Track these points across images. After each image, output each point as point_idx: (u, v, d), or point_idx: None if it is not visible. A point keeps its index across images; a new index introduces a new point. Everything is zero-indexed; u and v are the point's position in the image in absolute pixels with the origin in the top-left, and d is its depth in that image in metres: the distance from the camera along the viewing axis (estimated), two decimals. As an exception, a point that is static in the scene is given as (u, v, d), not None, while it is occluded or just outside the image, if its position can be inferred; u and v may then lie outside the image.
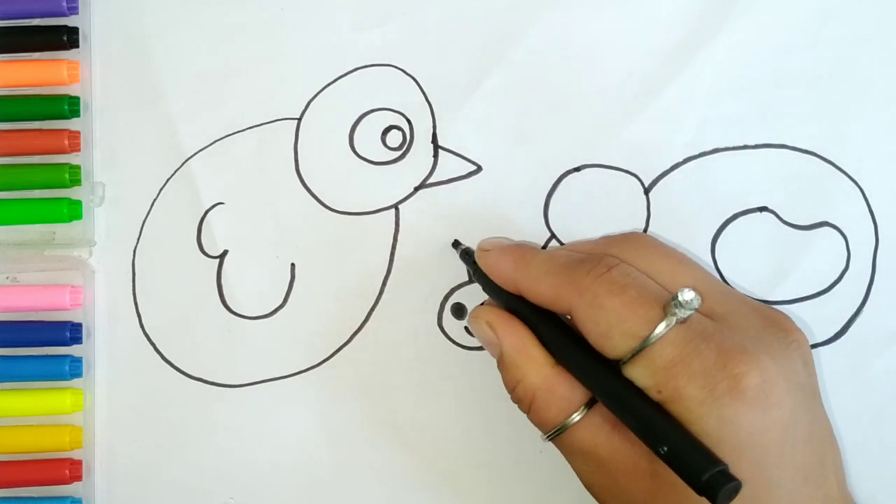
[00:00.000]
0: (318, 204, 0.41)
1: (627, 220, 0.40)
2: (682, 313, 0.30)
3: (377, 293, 0.40)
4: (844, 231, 0.39)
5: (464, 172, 0.40)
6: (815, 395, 0.33)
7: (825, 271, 0.39)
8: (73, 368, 0.40)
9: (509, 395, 0.35)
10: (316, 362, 0.40)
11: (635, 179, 0.40)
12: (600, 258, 0.33)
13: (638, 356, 0.31)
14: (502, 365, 0.35)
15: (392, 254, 0.40)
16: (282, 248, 0.41)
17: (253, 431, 0.40)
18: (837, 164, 0.40)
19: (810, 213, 0.39)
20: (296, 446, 0.40)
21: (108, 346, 0.41)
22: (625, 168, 0.40)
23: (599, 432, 0.33)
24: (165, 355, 0.41)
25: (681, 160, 0.40)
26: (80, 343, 0.40)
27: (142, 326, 0.41)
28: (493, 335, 0.35)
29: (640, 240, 0.36)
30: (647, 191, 0.40)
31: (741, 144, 0.40)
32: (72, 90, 0.41)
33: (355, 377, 0.40)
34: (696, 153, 0.40)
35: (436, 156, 0.41)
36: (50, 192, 0.41)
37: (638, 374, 0.31)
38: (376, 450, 0.40)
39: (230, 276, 0.41)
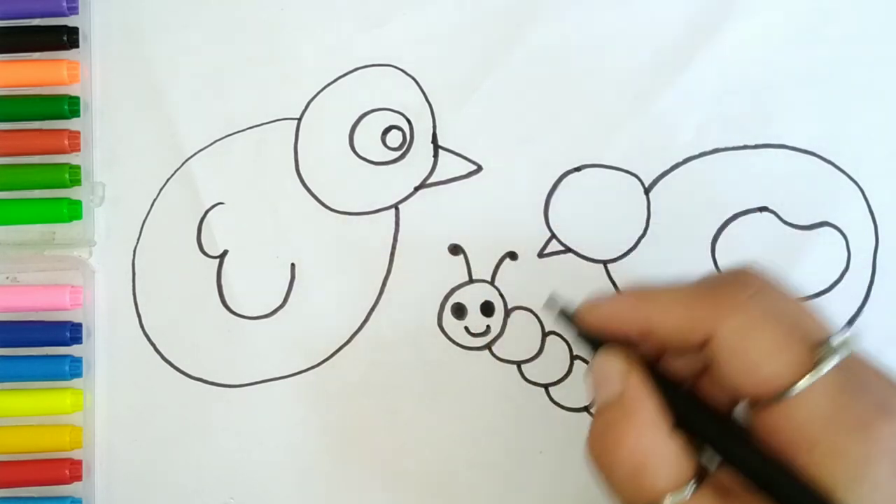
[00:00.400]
0: (318, 204, 0.41)
1: (627, 220, 0.40)
2: (837, 357, 0.26)
3: (377, 293, 0.40)
4: (844, 231, 0.39)
5: (464, 172, 0.40)
6: None
7: (825, 271, 0.39)
8: (73, 368, 0.40)
9: (590, 451, 0.29)
10: (316, 362, 0.40)
11: (635, 179, 0.40)
12: (745, 278, 0.28)
13: (784, 402, 0.26)
14: (615, 413, 0.29)
15: (392, 254, 0.40)
16: (282, 248, 0.41)
17: (253, 431, 0.40)
18: (837, 164, 0.40)
19: (810, 213, 0.39)
20: (296, 446, 0.40)
21: (108, 346, 0.41)
22: (625, 168, 0.40)
23: None
24: (165, 355, 0.41)
25: (681, 160, 0.40)
26: (80, 343, 0.40)
27: (142, 326, 0.41)
28: (623, 376, 0.29)
29: (755, 276, 0.30)
30: (647, 191, 0.40)
31: (741, 144, 0.40)
32: (72, 90, 0.41)
33: (355, 377, 0.40)
34: (696, 153, 0.40)
35: (436, 156, 0.41)
36: (50, 192, 0.41)
37: (783, 423, 0.26)
38: (376, 450, 0.40)
39: (230, 276, 0.41)
